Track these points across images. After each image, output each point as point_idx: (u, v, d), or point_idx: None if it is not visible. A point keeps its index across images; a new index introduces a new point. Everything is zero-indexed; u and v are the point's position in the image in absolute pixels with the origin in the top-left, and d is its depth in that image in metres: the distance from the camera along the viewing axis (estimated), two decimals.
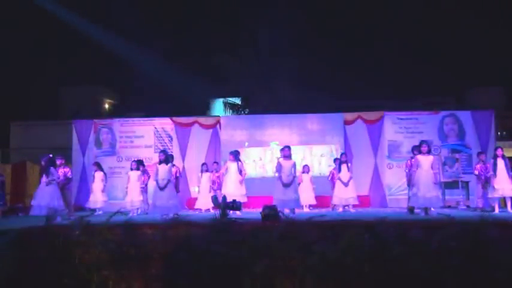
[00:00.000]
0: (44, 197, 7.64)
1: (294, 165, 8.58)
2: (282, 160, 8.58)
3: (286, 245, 4.72)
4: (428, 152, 8.11)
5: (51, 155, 8.11)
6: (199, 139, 11.65)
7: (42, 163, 7.98)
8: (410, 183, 8.65)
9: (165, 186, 8.16)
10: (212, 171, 10.04)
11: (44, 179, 7.75)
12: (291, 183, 8.42)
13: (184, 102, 19.32)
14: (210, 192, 9.79)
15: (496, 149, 8.87)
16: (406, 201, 8.91)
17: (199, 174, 10.05)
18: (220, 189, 9.58)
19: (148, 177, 9.92)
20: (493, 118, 11.35)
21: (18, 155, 14.58)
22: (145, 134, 11.70)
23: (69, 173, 8.94)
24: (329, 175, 10.22)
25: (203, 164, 10.17)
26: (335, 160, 10.09)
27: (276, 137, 11.45)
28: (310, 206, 10.04)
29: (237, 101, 18.76)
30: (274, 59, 16.96)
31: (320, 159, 11.17)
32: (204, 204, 9.82)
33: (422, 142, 8.25)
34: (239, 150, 9.80)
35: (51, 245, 5.59)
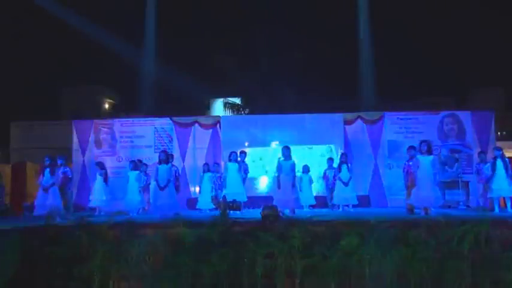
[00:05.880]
0: (48, 196, 7.68)
1: (294, 165, 8.56)
2: (282, 160, 8.58)
3: (286, 245, 4.72)
4: (428, 152, 8.09)
5: (51, 156, 8.13)
6: (199, 139, 11.63)
7: (46, 163, 7.99)
8: (408, 184, 8.63)
9: (165, 186, 8.16)
10: (213, 172, 10.02)
11: (48, 179, 7.78)
12: (290, 183, 8.41)
13: (184, 102, 19.29)
14: (210, 192, 9.78)
15: (495, 149, 8.86)
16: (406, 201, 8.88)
17: (201, 174, 10.04)
18: (221, 189, 9.56)
19: (150, 178, 9.90)
20: (493, 118, 11.35)
21: (18, 155, 14.55)
22: (145, 134, 11.68)
23: (69, 173, 8.96)
24: (323, 175, 10.23)
25: (205, 164, 10.16)
26: (328, 160, 10.21)
27: (276, 137, 11.44)
28: (310, 206, 10.03)
29: (237, 101, 18.75)
30: (274, 59, 16.95)
31: (320, 159, 11.17)
32: (204, 204, 9.81)
33: (422, 142, 8.23)
34: (238, 150, 9.80)
35: (51, 245, 5.58)
